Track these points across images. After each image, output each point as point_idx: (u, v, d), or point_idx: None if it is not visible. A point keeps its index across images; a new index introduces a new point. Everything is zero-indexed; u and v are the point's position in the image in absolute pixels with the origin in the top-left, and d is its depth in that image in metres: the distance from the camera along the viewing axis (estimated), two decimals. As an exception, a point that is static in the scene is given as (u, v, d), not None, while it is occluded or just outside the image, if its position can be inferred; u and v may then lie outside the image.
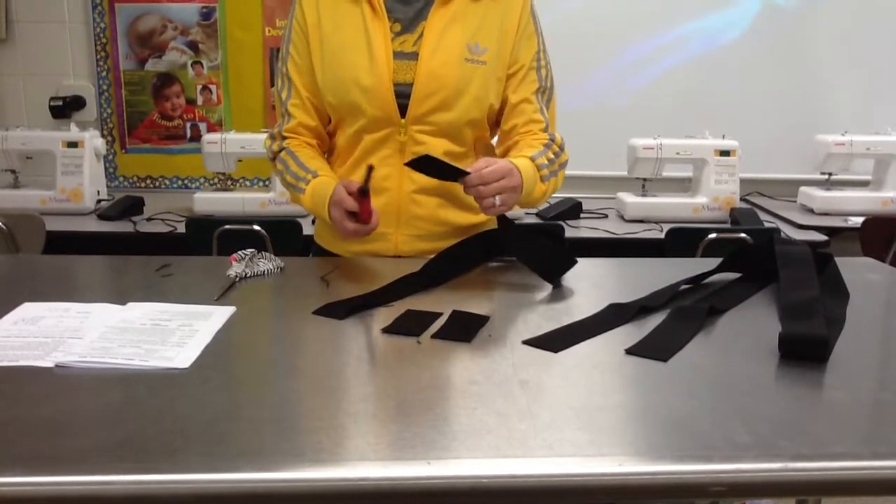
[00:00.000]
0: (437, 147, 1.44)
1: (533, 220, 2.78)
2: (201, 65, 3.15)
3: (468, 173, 1.29)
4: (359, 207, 1.32)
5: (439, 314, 1.13)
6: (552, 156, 1.46)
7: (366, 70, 1.41)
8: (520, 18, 1.47)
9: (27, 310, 1.12)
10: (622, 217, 2.85)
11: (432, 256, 1.36)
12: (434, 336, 1.05)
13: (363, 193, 1.31)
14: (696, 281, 1.30)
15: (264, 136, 1.58)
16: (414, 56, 1.42)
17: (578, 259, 1.36)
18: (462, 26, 1.43)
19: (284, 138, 1.52)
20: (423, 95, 1.42)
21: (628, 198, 2.85)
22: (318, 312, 1.14)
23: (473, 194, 1.31)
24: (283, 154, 1.51)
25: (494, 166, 1.30)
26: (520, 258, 1.38)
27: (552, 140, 1.48)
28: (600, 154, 3.05)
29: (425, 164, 1.31)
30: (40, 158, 2.85)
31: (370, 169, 1.31)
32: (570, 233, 2.63)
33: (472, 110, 1.44)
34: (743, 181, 2.85)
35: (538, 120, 1.49)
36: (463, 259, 1.37)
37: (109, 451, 0.73)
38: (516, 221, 1.52)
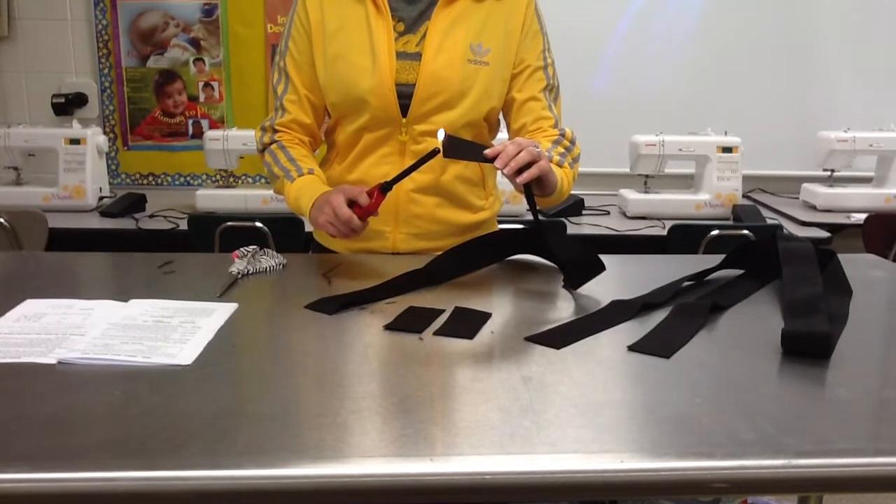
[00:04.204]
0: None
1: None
2: (203, 62, 3.14)
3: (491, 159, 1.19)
4: (369, 200, 1.28)
5: (441, 311, 1.13)
6: (563, 150, 1.44)
7: (368, 70, 1.41)
8: (524, 18, 1.46)
9: (30, 306, 1.12)
10: (624, 214, 2.85)
11: (437, 255, 1.35)
12: (436, 333, 1.05)
13: (384, 189, 1.29)
14: (699, 278, 1.29)
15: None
16: (417, 57, 1.42)
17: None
18: (465, 27, 1.42)
19: (276, 131, 1.51)
20: (426, 96, 1.41)
21: (630, 194, 2.84)
22: (310, 307, 1.14)
23: (524, 158, 1.18)
24: (274, 147, 1.50)
25: (516, 139, 1.22)
26: (551, 259, 1.37)
27: (562, 135, 1.47)
28: (602, 151, 3.04)
29: (453, 146, 1.21)
30: (43, 156, 2.84)
31: (410, 169, 1.25)
32: (572, 230, 2.63)
33: (473, 111, 1.43)
34: (745, 178, 2.84)
35: (547, 117, 1.48)
36: (468, 260, 1.34)
37: (111, 448, 0.73)
38: (520, 220, 1.50)
